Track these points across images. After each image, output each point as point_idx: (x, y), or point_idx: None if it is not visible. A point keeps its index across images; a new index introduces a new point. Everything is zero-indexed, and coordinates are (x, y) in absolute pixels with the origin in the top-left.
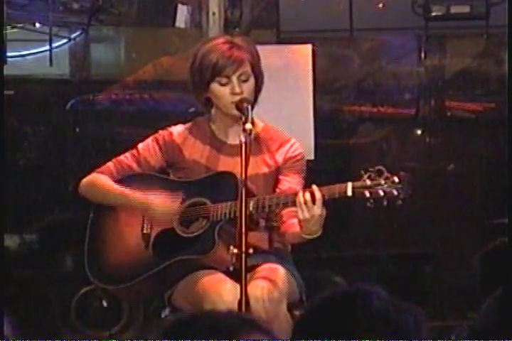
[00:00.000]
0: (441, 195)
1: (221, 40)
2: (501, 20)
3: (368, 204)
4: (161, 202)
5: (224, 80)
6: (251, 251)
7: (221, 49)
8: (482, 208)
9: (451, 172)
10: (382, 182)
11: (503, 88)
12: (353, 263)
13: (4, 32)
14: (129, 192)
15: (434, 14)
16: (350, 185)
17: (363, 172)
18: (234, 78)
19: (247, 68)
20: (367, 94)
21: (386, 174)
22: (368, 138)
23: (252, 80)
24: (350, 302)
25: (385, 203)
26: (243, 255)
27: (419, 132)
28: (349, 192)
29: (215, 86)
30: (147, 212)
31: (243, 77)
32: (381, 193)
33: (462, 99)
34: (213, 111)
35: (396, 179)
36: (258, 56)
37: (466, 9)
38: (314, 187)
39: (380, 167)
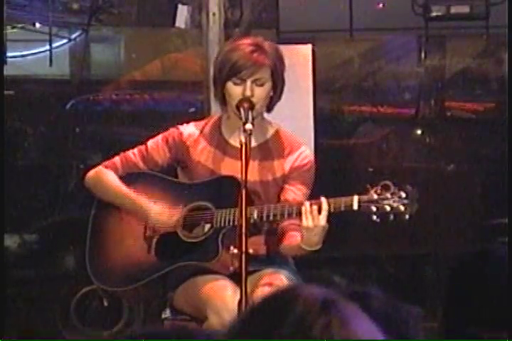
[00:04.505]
0: (441, 194)
1: (248, 41)
2: (501, 20)
3: (374, 218)
4: (162, 212)
5: (238, 81)
6: (251, 251)
7: (244, 50)
8: (482, 208)
9: (451, 172)
10: (389, 196)
11: (503, 88)
12: (353, 263)
13: (4, 32)
14: (133, 196)
15: (434, 14)
16: (356, 198)
17: (369, 186)
18: (248, 81)
19: (266, 74)
20: (367, 94)
21: (393, 189)
22: (367, 138)
23: (267, 86)
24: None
25: (391, 218)
26: (243, 255)
27: (419, 132)
28: (355, 206)
29: (229, 84)
30: (147, 219)
31: (259, 82)
32: (388, 208)
33: (462, 99)
34: (227, 110)
35: (403, 194)
36: (283, 64)
37: (466, 9)
38: (322, 198)
39: (387, 182)
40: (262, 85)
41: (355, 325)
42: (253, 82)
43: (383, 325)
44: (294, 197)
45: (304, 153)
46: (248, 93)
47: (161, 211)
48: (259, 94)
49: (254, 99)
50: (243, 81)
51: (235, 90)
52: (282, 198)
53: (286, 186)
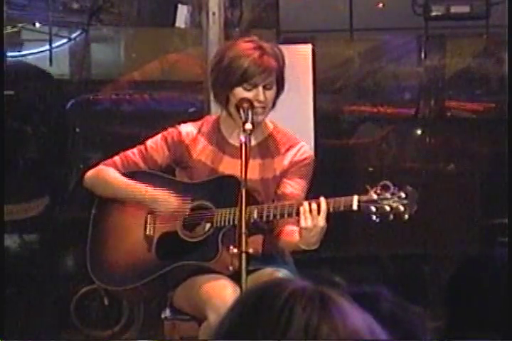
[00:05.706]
0: (440, 194)
1: (251, 44)
2: (501, 20)
3: (374, 218)
4: (170, 198)
5: (249, 87)
6: (251, 250)
7: (252, 55)
8: (482, 208)
9: (451, 172)
10: (389, 197)
11: (503, 88)
12: (353, 263)
13: (4, 32)
14: (137, 185)
15: (434, 14)
16: (356, 198)
17: (368, 186)
18: (260, 86)
19: (273, 77)
20: (367, 94)
21: (393, 189)
22: (367, 138)
23: (275, 88)
24: (357, 304)
25: (391, 218)
26: (243, 254)
27: (419, 132)
28: (355, 206)
29: (239, 90)
30: (155, 206)
31: (268, 86)
32: (387, 208)
33: (462, 99)
34: (228, 111)
35: (403, 194)
36: (284, 63)
37: (466, 9)
38: (322, 198)
39: (386, 182)
40: (270, 88)
41: (352, 319)
42: (264, 87)
43: (391, 325)
44: (291, 191)
45: (303, 148)
46: (261, 98)
47: (168, 195)
48: (270, 96)
49: (266, 103)
50: (254, 86)
51: (245, 95)
52: (279, 191)
53: (285, 180)
